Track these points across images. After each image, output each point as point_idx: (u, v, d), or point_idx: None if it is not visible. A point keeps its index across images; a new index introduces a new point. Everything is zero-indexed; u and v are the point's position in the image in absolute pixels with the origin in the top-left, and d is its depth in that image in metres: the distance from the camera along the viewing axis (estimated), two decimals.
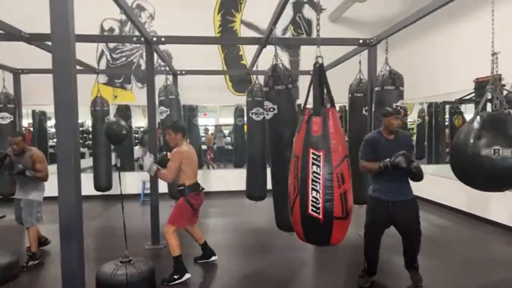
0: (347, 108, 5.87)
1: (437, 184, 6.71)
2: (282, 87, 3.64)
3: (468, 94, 4.79)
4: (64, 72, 2.19)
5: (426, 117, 8.89)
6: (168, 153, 3.82)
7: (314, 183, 2.07)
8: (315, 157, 2.09)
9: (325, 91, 2.41)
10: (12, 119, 6.19)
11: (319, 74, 2.32)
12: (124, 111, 8.68)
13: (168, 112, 5.48)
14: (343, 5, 7.71)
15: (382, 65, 4.64)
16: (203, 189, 3.92)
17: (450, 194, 6.54)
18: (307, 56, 8.12)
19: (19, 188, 4.25)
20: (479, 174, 2.83)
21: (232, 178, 8.17)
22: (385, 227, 3.40)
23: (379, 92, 4.51)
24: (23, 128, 7.44)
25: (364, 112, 5.16)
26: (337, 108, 6.42)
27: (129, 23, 7.58)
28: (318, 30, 2.53)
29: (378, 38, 4.75)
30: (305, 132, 2.19)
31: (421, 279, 3.47)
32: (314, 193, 2.07)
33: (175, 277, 3.60)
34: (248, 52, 7.99)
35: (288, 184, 2.27)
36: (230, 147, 11.60)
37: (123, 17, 3.90)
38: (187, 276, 3.66)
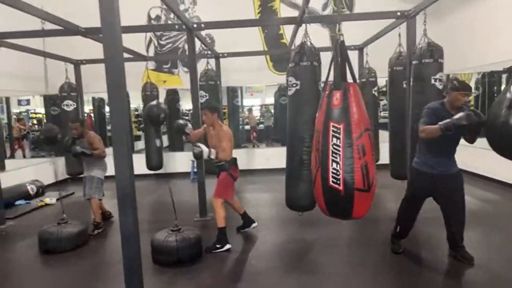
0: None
1: (487, 157, 6.46)
2: (307, 63, 3.64)
3: None
4: (113, 61, 2.52)
5: (480, 88, 8.47)
6: (188, 123, 4.33)
7: (334, 155, 2.22)
8: (335, 129, 2.23)
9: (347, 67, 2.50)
10: (75, 106, 6.89)
11: (340, 51, 2.43)
12: (173, 95, 9.20)
13: (207, 97, 5.79)
14: None
15: (421, 37, 4.54)
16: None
17: (499, 167, 6.28)
18: (351, 32, 7.99)
19: (85, 167, 4.84)
20: (508, 144, 2.77)
21: (275, 156, 8.41)
22: (424, 200, 3.45)
23: (417, 66, 4.43)
24: (85, 114, 8.21)
25: (404, 86, 5.09)
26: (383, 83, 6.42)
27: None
28: (336, 7, 2.60)
29: (417, 9, 4.63)
30: (326, 106, 2.33)
31: (473, 258, 3.41)
32: (334, 164, 2.22)
33: (217, 246, 3.96)
34: (288, 30, 8.03)
35: (311, 159, 2.44)
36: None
37: None
38: (228, 246, 4.00)
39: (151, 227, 4.60)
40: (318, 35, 7.85)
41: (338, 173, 2.23)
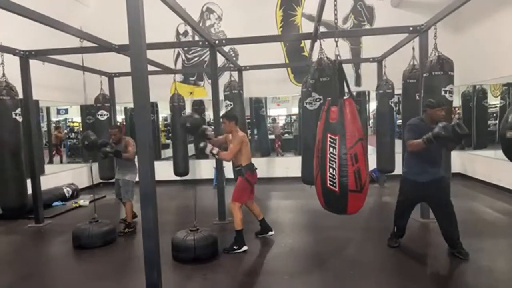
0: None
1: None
2: (327, 79, 3.90)
3: None
4: (139, 74, 2.89)
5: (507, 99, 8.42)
6: (209, 127, 4.65)
7: (331, 162, 2.50)
8: (332, 140, 2.51)
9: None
10: (108, 115, 7.45)
11: (338, 70, 2.69)
12: (199, 105, 9.67)
13: (232, 105, 6.15)
14: None
15: (432, 50, 4.70)
16: (256, 168, 4.50)
17: None
18: (370, 43, 8.20)
19: (118, 171, 5.27)
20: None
21: (296, 165, 8.64)
22: (416, 203, 3.97)
23: (427, 78, 4.60)
24: (117, 123, 8.79)
25: (417, 97, 5.24)
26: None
27: (200, 25, 8.44)
28: (336, 23, 2.88)
29: (428, 24, 4.80)
30: (324, 119, 2.61)
31: (468, 253, 3.73)
32: (331, 170, 2.50)
33: (235, 247, 4.24)
34: (309, 43, 8.32)
35: (313, 164, 2.71)
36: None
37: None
38: (244, 248, 4.27)
39: (173, 228, 4.94)
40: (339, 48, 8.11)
41: (334, 177, 2.49)
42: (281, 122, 17.74)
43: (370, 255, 4.14)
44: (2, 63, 4.99)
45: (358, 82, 8.62)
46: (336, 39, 2.81)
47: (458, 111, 9.09)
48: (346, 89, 2.80)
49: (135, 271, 3.85)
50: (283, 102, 18.46)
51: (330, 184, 2.51)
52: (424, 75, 4.65)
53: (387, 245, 4.22)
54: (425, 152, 3.46)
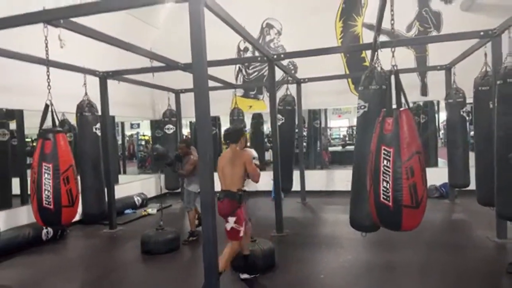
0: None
1: None
2: (376, 87, 3.62)
3: None
4: (201, 90, 3.08)
5: None
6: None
7: (384, 175, 2.42)
8: (386, 152, 2.44)
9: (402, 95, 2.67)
10: (174, 129, 7.96)
11: (394, 80, 2.62)
12: (258, 118, 9.87)
13: (283, 120, 6.22)
14: None
15: (506, 56, 4.33)
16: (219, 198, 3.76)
17: None
18: (436, 51, 7.77)
19: (186, 181, 5.55)
20: None
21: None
22: None
23: (501, 85, 4.23)
24: (184, 136, 9.32)
25: (490, 106, 4.84)
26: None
27: (259, 42, 8.69)
28: (392, 32, 2.79)
29: (502, 28, 4.45)
30: (379, 130, 2.55)
31: None
32: (384, 183, 2.42)
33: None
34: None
35: (367, 177, 2.65)
36: None
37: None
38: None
39: None
40: (403, 57, 7.79)
41: (388, 191, 2.41)
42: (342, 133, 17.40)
43: (429, 277, 3.86)
44: (85, 83, 5.60)
45: (424, 92, 8.17)
46: (393, 49, 2.74)
47: None
48: (403, 100, 2.71)
49: (196, 277, 4.02)
50: (345, 113, 18.12)
51: (383, 198, 2.43)
52: (498, 82, 4.29)
53: (506, 271, 3.73)
54: None
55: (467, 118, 6.29)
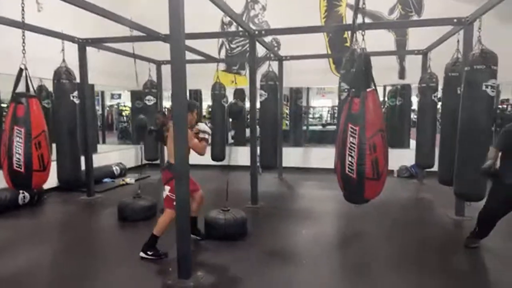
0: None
1: None
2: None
3: None
4: (177, 62, 3.16)
5: None
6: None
7: (350, 150, 2.62)
8: (352, 130, 2.62)
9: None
10: (155, 101, 7.96)
11: (363, 61, 2.76)
12: (240, 94, 9.93)
13: (266, 96, 6.33)
14: None
15: (476, 43, 4.53)
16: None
17: None
18: (417, 35, 7.94)
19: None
20: None
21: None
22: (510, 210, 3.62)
23: (468, 72, 4.45)
24: (164, 108, 9.31)
25: (458, 92, 5.08)
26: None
27: (244, 16, 8.66)
28: (363, 15, 2.93)
29: (473, 16, 4.63)
30: (347, 110, 2.72)
31: None
32: (349, 158, 2.62)
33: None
34: None
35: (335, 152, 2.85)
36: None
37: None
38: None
39: (208, 208, 5.27)
40: (383, 40, 7.96)
41: (352, 164, 2.61)
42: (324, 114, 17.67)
43: (392, 248, 4.17)
44: (62, 50, 5.51)
45: (402, 75, 8.41)
46: (363, 32, 2.87)
47: None
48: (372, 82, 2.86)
49: (168, 243, 4.20)
50: (328, 93, 18.31)
51: (348, 171, 2.63)
52: (466, 69, 4.50)
53: (464, 245, 4.01)
54: None
55: (437, 102, 6.56)
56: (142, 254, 3.79)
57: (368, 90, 2.70)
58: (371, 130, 2.58)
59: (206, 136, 3.81)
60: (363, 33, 2.88)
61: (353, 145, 2.60)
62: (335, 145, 2.87)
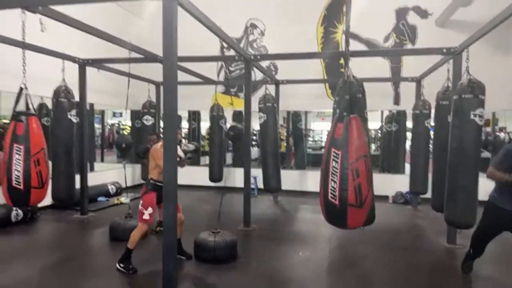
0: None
1: None
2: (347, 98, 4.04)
3: None
4: (169, 84, 3.24)
5: None
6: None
7: (333, 175, 2.66)
8: (335, 154, 2.67)
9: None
10: (153, 121, 8.06)
11: (348, 88, 2.85)
12: (238, 116, 10.06)
13: (265, 118, 6.43)
14: (448, 9, 7.50)
15: (464, 73, 4.64)
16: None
17: None
18: (411, 62, 8.11)
19: None
20: None
21: None
22: (500, 232, 3.60)
23: (457, 101, 4.55)
24: (161, 129, 9.41)
25: (449, 119, 5.16)
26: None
27: (243, 41, 8.90)
28: (347, 46, 3.02)
29: (462, 46, 4.77)
30: (331, 134, 2.78)
31: None
32: (332, 183, 2.66)
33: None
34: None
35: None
36: None
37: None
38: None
39: (200, 229, 5.26)
40: (380, 66, 8.15)
41: (335, 190, 2.64)
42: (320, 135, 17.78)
43: (385, 273, 4.16)
44: (63, 70, 5.65)
45: (397, 101, 8.54)
46: (348, 59, 2.97)
47: None
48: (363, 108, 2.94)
49: (159, 264, 4.19)
50: (328, 116, 18.47)
51: (331, 197, 2.67)
52: (454, 97, 4.60)
53: (461, 269, 4.00)
54: None
55: (430, 129, 6.63)
56: (117, 265, 4.04)
57: (351, 115, 2.78)
58: (354, 155, 2.63)
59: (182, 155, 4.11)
60: (348, 59, 2.98)
61: (335, 169, 2.64)
62: (320, 170, 2.91)
